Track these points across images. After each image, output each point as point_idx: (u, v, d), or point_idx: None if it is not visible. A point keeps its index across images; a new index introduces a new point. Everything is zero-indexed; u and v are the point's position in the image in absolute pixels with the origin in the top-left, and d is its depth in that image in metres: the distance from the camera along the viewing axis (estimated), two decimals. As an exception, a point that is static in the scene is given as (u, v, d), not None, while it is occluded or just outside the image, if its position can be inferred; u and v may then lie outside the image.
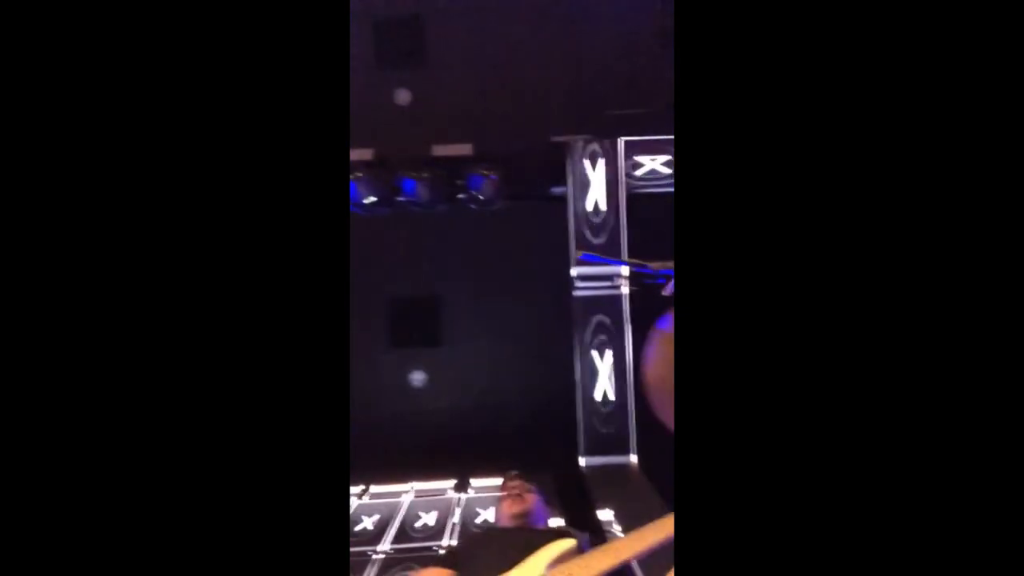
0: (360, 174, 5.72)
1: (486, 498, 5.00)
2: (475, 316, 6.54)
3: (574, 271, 5.92)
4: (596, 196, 5.95)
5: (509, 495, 2.23)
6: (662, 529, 1.67)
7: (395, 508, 5.02)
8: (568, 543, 1.83)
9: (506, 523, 2.19)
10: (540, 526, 2.14)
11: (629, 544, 1.64)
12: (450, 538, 4.23)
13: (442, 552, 2.04)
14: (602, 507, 4.78)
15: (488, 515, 4.52)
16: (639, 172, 6.03)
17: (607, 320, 5.94)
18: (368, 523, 4.76)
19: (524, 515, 2.15)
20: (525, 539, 1.88)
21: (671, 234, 1.18)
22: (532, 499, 2.21)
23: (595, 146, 5.96)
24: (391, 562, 4.06)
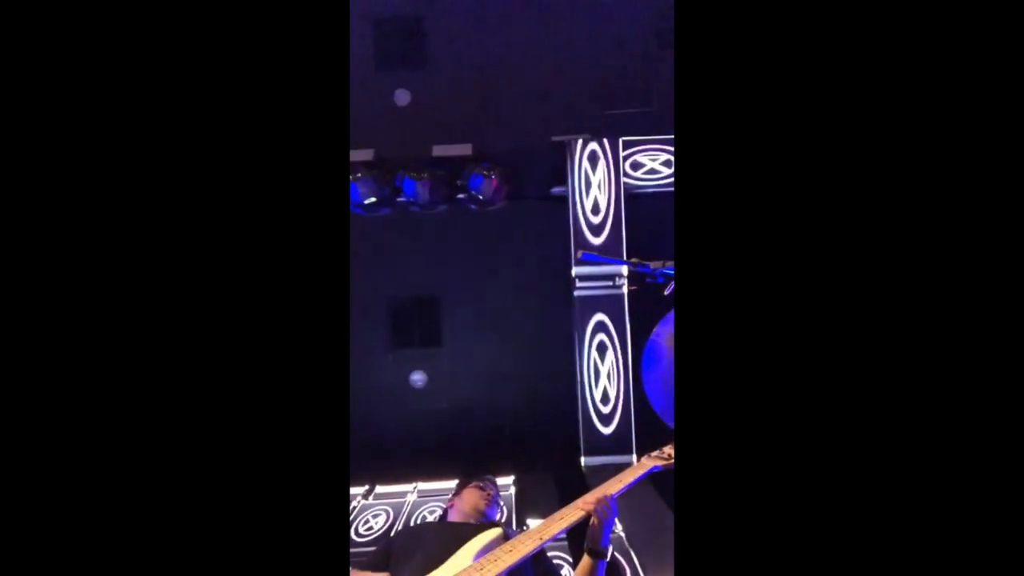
0: (360, 174, 5.72)
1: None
2: (475, 316, 6.54)
3: (574, 271, 5.93)
4: (596, 196, 5.95)
5: (477, 487, 2.35)
6: (579, 509, 1.83)
7: (400, 507, 5.02)
8: (494, 531, 1.92)
9: (461, 511, 2.29)
10: (485, 521, 2.22)
11: (549, 526, 1.75)
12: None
13: (375, 550, 2.11)
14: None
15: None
16: (639, 172, 6.04)
17: (607, 320, 5.94)
18: (373, 522, 4.76)
19: (481, 511, 2.26)
20: (455, 533, 1.95)
21: (671, 234, 1.18)
22: (495, 500, 2.35)
23: (595, 146, 5.96)
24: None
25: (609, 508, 1.82)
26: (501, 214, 6.19)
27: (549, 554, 2.14)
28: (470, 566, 1.68)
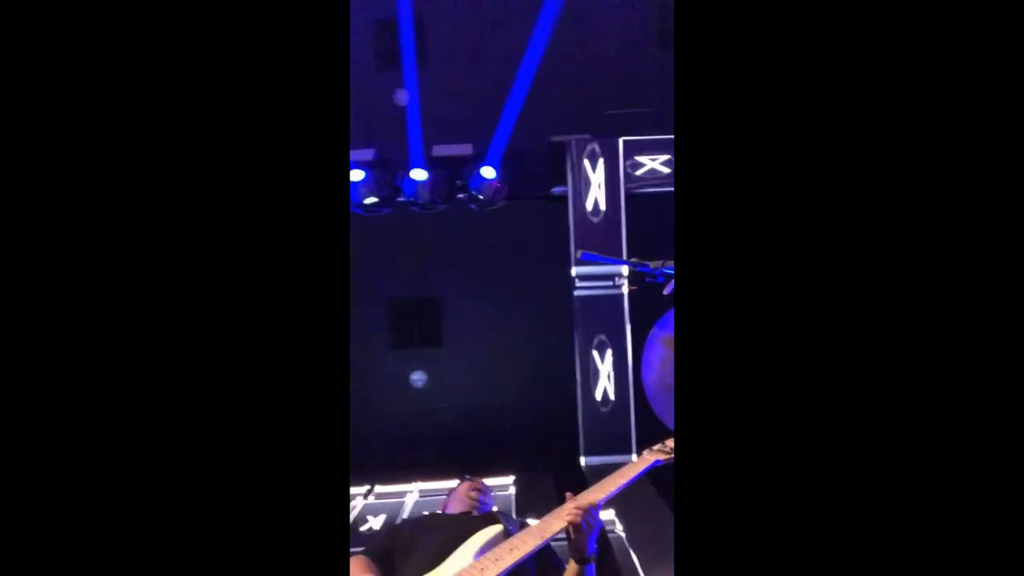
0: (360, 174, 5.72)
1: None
2: (475, 316, 6.54)
3: (574, 271, 5.93)
4: (596, 196, 5.96)
5: (466, 481, 2.45)
6: (563, 519, 1.79)
7: (400, 507, 5.03)
8: (495, 529, 1.91)
9: (458, 501, 2.35)
10: (483, 512, 2.25)
11: (551, 524, 1.74)
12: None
13: (379, 540, 2.13)
14: (604, 507, 4.76)
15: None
16: (639, 172, 6.04)
17: (607, 320, 5.94)
18: (374, 523, 4.76)
19: (476, 499, 2.34)
20: (456, 529, 1.95)
21: (671, 234, 1.18)
22: (485, 489, 2.42)
23: (595, 146, 5.96)
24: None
25: (593, 520, 1.78)
26: (501, 214, 6.19)
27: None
28: (471, 565, 1.68)
